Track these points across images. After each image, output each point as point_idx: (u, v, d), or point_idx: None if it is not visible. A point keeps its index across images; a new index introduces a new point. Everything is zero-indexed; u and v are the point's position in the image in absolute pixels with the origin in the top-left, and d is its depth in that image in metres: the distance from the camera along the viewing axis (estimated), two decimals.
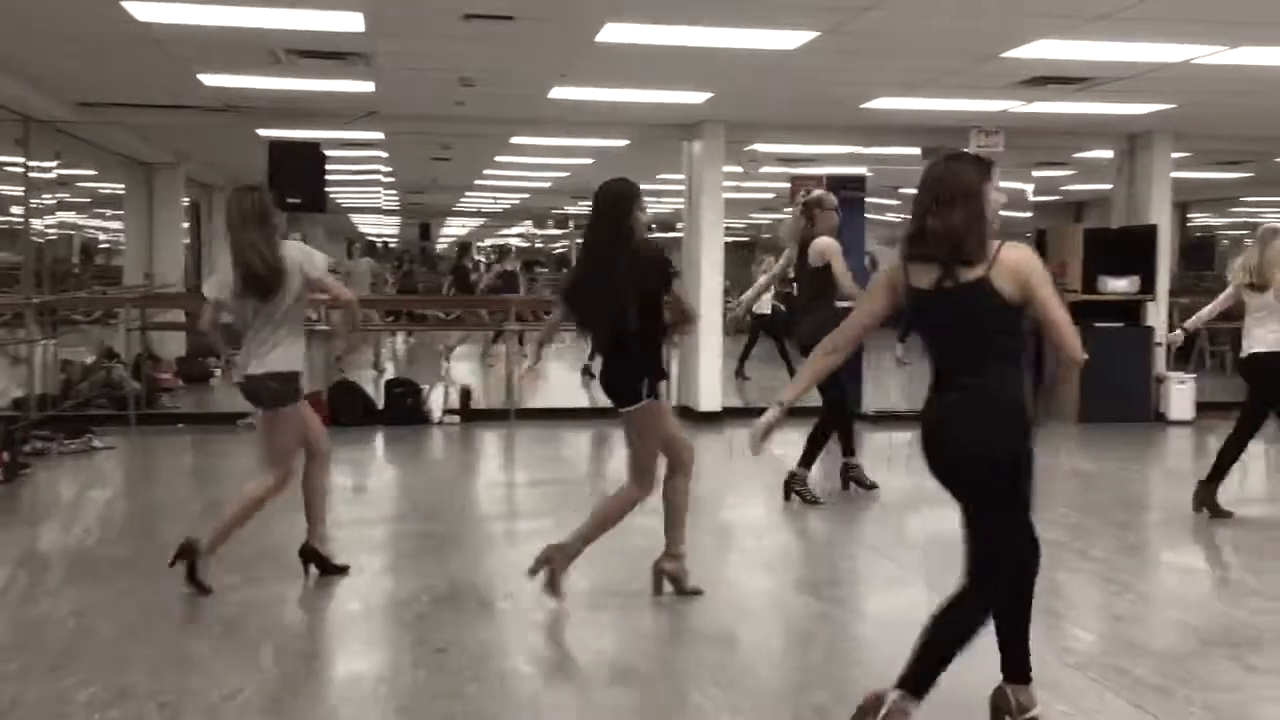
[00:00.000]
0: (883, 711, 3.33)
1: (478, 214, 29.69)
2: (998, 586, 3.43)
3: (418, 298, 19.83)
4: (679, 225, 25.07)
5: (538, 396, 12.25)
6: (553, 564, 4.92)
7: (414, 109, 10.68)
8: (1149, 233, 11.32)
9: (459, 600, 5.17)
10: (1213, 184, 16.84)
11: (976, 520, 3.39)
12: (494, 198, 23.08)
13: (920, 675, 3.36)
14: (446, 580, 5.46)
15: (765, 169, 14.33)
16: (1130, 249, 11.22)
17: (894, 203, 21.36)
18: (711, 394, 11.25)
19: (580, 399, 12.93)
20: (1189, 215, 22.37)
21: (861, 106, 9.93)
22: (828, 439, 7.47)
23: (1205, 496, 6.95)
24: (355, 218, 31.04)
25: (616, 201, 4.98)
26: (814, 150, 12.82)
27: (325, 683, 4.35)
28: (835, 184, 11.64)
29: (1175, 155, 11.83)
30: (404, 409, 10.64)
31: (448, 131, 11.80)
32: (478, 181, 18.92)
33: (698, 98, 9.63)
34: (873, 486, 7.57)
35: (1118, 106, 9.86)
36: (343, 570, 5.43)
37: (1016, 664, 3.57)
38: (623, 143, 12.34)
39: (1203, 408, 11.26)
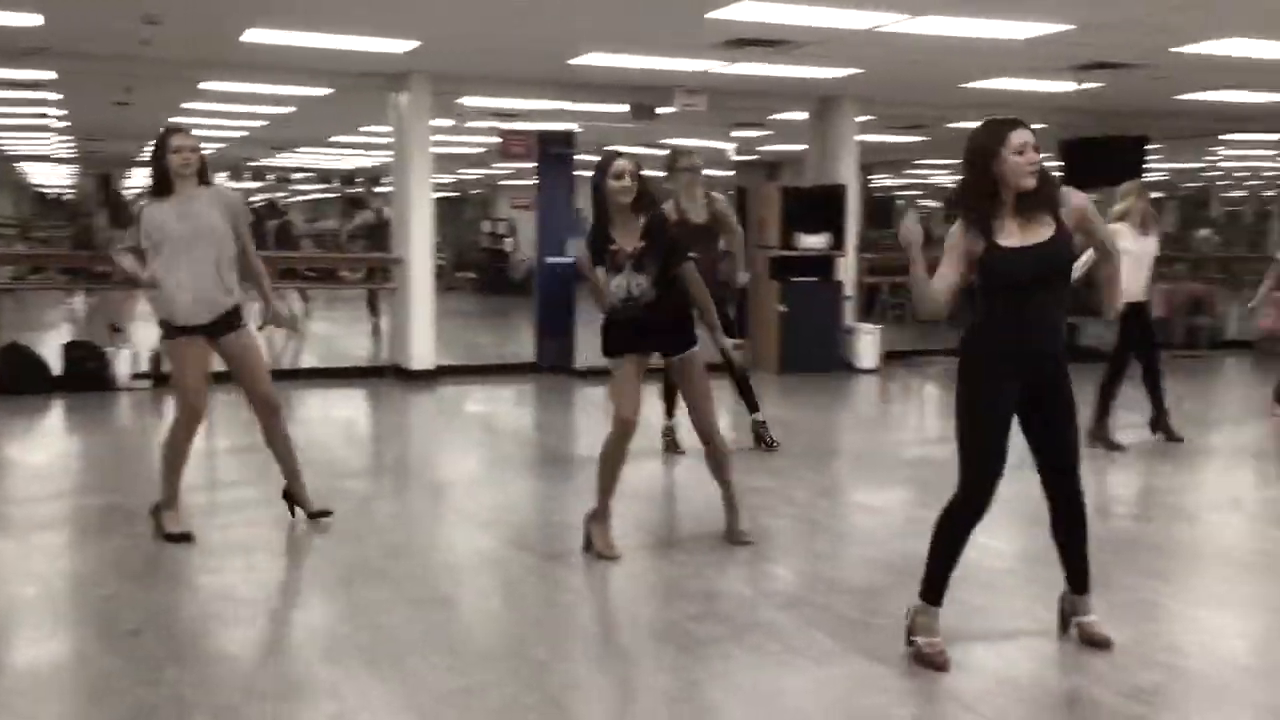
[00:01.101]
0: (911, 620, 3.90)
1: None
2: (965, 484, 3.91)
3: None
4: (384, 180, 24.42)
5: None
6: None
7: (91, 47, 9.77)
8: (839, 192, 11.95)
9: (153, 578, 4.82)
10: (891, 147, 17.96)
11: None
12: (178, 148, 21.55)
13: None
14: (139, 556, 5.08)
15: (474, 123, 14.11)
16: (822, 207, 11.81)
17: (590, 157, 21.62)
18: (423, 353, 11.02)
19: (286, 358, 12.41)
20: (869, 177, 23.86)
21: (570, 62, 9.92)
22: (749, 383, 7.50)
23: (1159, 425, 7.75)
24: (23, 166, 28.30)
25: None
26: (523, 105, 12.73)
27: None
28: (545, 140, 11.63)
29: (860, 119, 12.55)
30: (84, 374, 9.83)
31: (130, 73, 10.86)
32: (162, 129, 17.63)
33: (403, 46, 9.32)
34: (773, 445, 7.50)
35: (811, 70, 10.32)
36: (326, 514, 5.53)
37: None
38: (325, 91, 11.80)
39: (887, 357, 12.07)
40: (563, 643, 4.18)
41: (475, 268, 25.66)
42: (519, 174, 24.74)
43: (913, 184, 29.87)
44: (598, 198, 5.06)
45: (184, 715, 3.46)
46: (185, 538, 5.26)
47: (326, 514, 5.62)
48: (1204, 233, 22.62)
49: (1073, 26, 8.34)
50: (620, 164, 4.99)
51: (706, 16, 7.90)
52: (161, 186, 5.17)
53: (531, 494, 6.73)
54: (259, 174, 26.45)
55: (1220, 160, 20.92)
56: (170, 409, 5.62)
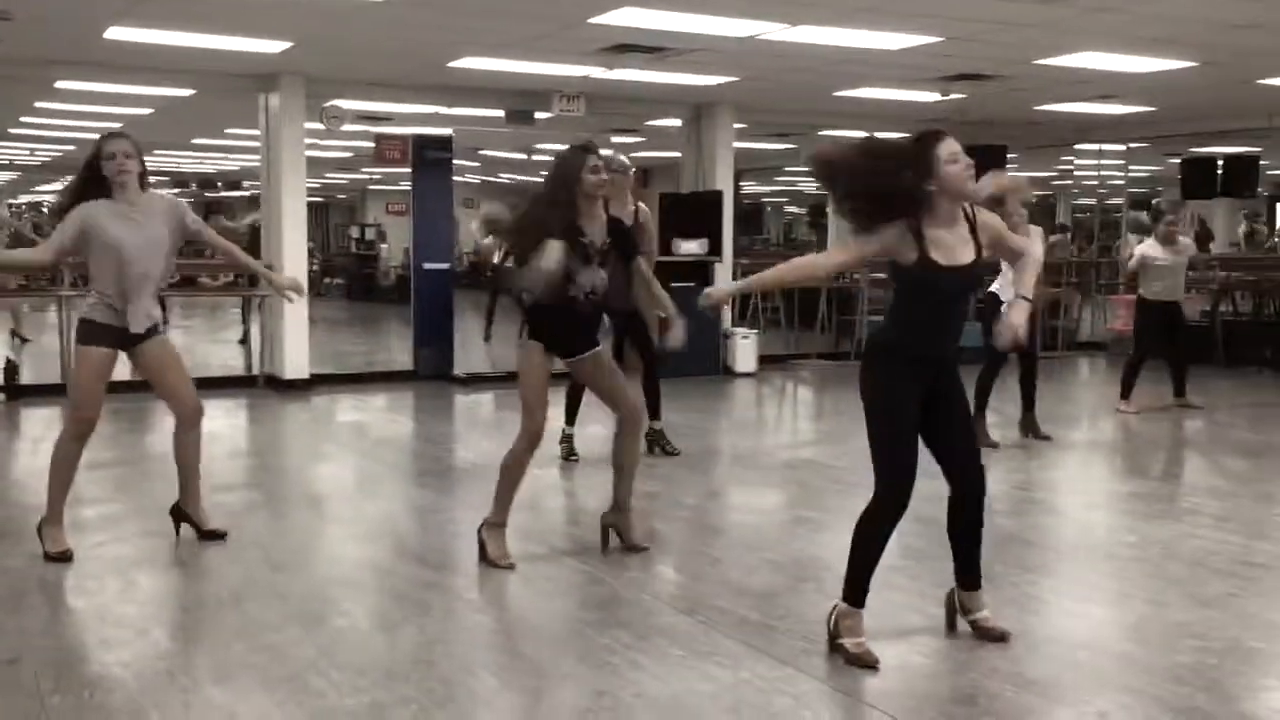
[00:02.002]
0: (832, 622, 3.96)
1: (9, 166, 26.30)
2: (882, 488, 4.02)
3: None
4: (246, 184, 23.73)
5: None
6: (616, 528, 5.27)
7: None
8: (715, 198, 12.09)
9: (23, 601, 4.58)
10: (761, 154, 18.27)
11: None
12: (30, 149, 20.55)
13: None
14: (6, 580, 4.82)
15: (347, 127, 13.80)
16: (699, 213, 11.93)
17: (474, 164, 21.42)
18: (298, 362, 10.75)
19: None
20: (740, 183, 24.23)
21: (449, 65, 9.81)
22: (657, 388, 7.44)
23: (1028, 425, 8.14)
24: None
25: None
26: (398, 109, 12.53)
27: None
28: (421, 144, 11.47)
29: (735, 126, 12.72)
30: None
31: None
32: (12, 130, 16.80)
33: (274, 46, 9.08)
34: (675, 452, 7.51)
35: (690, 77, 10.42)
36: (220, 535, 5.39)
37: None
38: (188, 93, 11.42)
39: (763, 360, 12.26)
40: (465, 656, 4.11)
41: (344, 273, 25.18)
42: (388, 179, 24.40)
43: (781, 190, 30.38)
44: (565, 187, 4.89)
45: None
46: (64, 557, 5.03)
47: (220, 535, 5.44)
48: (1056, 238, 23.53)
49: (941, 39, 8.61)
50: (598, 159, 4.91)
51: (589, 21, 7.90)
52: (94, 191, 4.99)
53: (417, 505, 6.62)
54: None
55: (1073, 169, 21.82)
56: (48, 420, 5.38)
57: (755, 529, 6.11)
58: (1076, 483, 7.46)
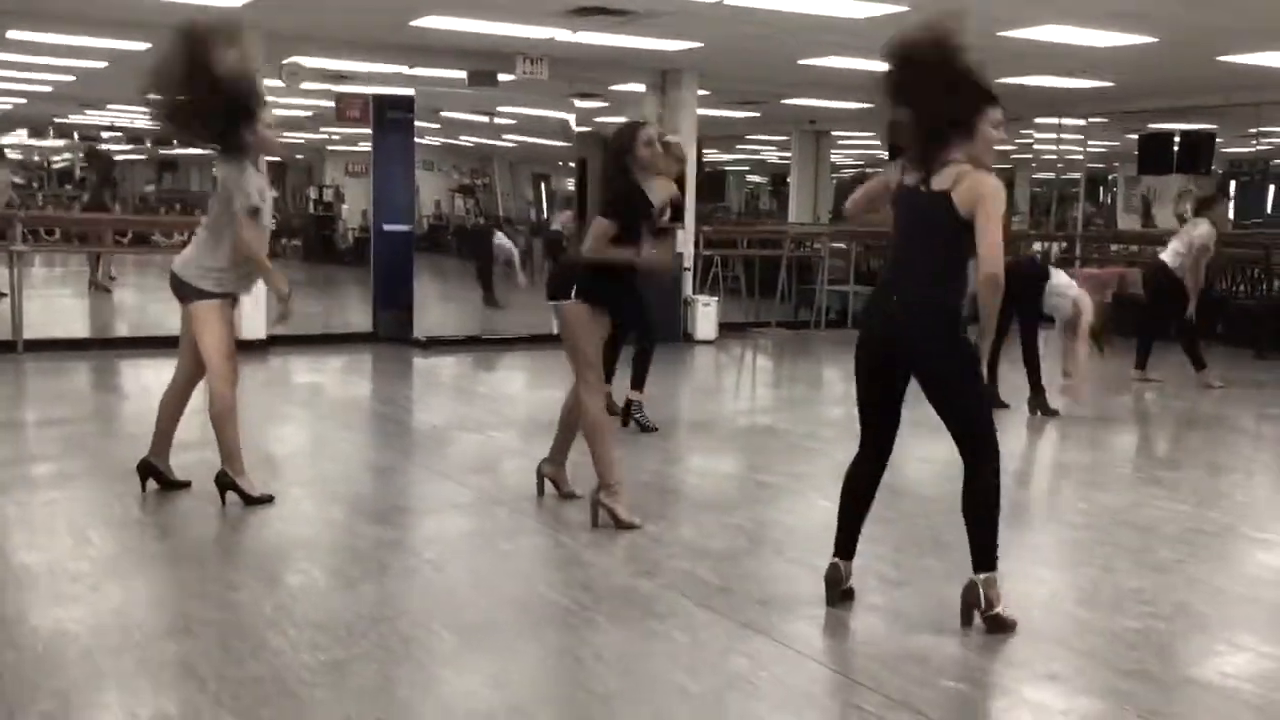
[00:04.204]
0: (984, 593, 3.79)
1: None
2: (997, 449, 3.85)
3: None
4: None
5: (51, 325, 10.97)
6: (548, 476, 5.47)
7: None
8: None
9: None
10: (724, 121, 18.22)
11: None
12: None
13: (987, 549, 3.80)
14: None
15: (307, 85, 13.60)
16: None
17: (435, 126, 21.19)
18: (254, 323, 10.61)
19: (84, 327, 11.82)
20: (702, 151, 24.20)
21: (411, 24, 9.68)
22: (650, 357, 7.28)
23: (1037, 403, 8.11)
24: None
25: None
26: (359, 67, 12.36)
27: None
28: (383, 104, 11.33)
29: (700, 93, 12.68)
30: None
31: None
32: None
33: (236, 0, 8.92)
34: (654, 429, 7.29)
35: (655, 42, 10.35)
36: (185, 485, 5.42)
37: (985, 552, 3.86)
38: (143, 46, 11.18)
39: (723, 328, 12.29)
40: (424, 614, 4.11)
41: (301, 235, 24.90)
42: (347, 139, 24.10)
43: (742, 159, 30.36)
44: (621, 166, 5.03)
45: (27, 702, 3.26)
46: (268, 499, 5.27)
47: (185, 484, 5.46)
48: (1016, 217, 23.75)
49: (907, 8, 8.60)
50: (651, 131, 5.12)
51: None
52: (244, 149, 5.00)
53: (375, 465, 6.59)
54: (64, 132, 24.99)
55: (1032, 143, 21.97)
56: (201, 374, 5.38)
57: (714, 493, 6.14)
58: (1032, 452, 7.56)
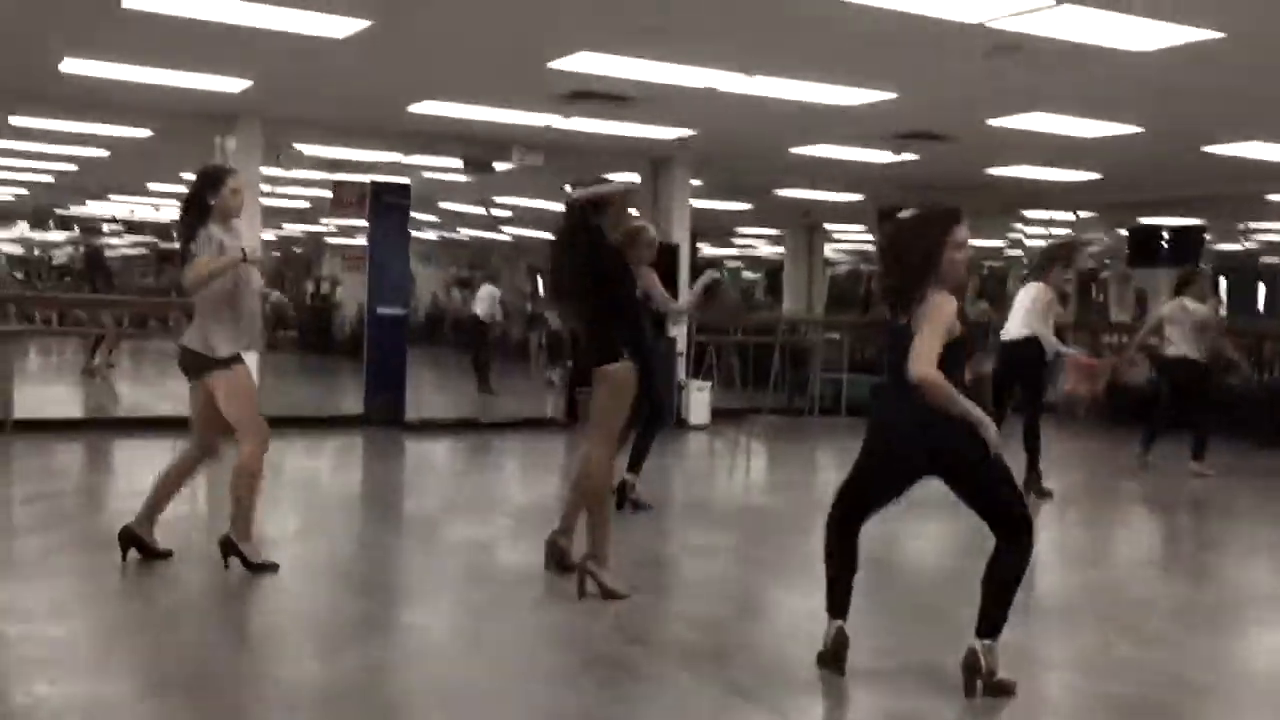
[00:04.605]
0: (984, 660, 3.76)
1: None
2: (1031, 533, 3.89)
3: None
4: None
5: (41, 407, 10.91)
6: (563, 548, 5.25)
7: None
8: (672, 251, 12.15)
9: None
10: (718, 214, 18.42)
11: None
12: None
13: (995, 619, 3.80)
14: None
15: (303, 174, 13.81)
16: (657, 266, 11.94)
17: (433, 219, 21.44)
18: None
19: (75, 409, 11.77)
20: (696, 244, 24.45)
21: (409, 109, 9.85)
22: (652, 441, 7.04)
23: (1032, 483, 7.76)
24: None
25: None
26: (356, 155, 12.56)
27: None
28: (379, 191, 11.46)
29: (692, 182, 12.85)
30: None
31: None
32: None
33: (235, 85, 9.07)
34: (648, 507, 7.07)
35: (647, 129, 10.52)
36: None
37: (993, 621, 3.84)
38: (145, 134, 11.38)
39: (716, 414, 12.24)
40: (407, 681, 4.01)
41: (298, 326, 24.97)
42: (344, 231, 24.35)
43: (738, 255, 30.65)
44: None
45: None
46: (271, 566, 5.20)
47: (167, 554, 5.37)
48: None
49: (894, 95, 8.77)
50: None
51: (548, 66, 7.97)
52: (211, 217, 5.09)
53: (364, 542, 6.51)
54: (66, 224, 25.19)
55: (1024, 238, 22.24)
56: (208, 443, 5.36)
57: (705, 568, 6.06)
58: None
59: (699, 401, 12.02)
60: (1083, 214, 16.79)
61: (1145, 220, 17.18)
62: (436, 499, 8.02)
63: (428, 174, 13.25)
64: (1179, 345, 9.18)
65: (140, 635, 4.55)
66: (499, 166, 11.69)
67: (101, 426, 10.52)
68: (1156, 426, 9.47)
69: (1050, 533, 7.40)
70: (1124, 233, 17.96)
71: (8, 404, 9.78)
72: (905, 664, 4.23)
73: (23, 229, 28.63)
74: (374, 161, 12.70)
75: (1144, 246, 17.04)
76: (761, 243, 26.70)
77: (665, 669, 4.10)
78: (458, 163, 11.78)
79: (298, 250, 28.71)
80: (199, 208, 5.12)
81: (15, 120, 11.09)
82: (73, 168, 14.96)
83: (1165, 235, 16.88)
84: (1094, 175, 12.93)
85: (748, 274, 35.03)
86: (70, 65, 8.49)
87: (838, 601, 4.00)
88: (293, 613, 4.90)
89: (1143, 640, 4.71)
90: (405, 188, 11.67)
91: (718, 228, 22.05)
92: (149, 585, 5.16)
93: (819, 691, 3.93)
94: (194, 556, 5.67)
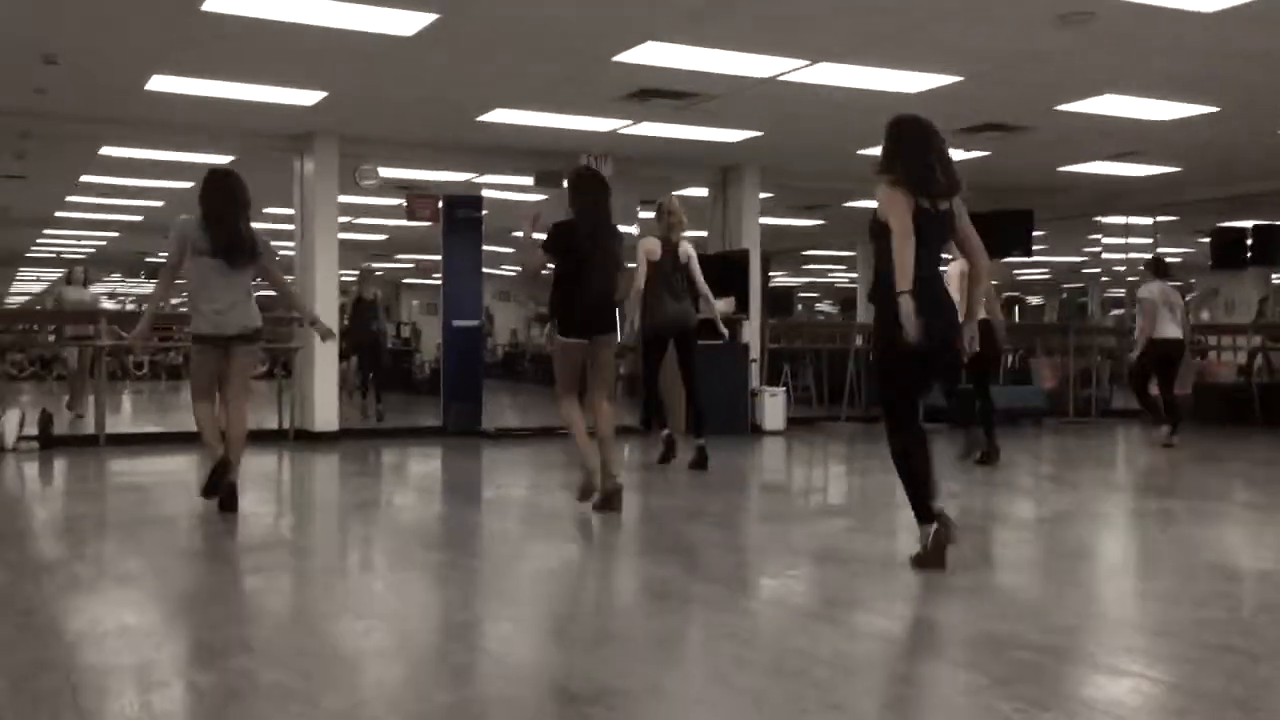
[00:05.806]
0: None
1: (57, 260, 26.16)
2: None
3: None
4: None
5: (134, 421, 11.24)
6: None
7: None
8: (743, 257, 12.21)
9: None
10: (789, 232, 18.38)
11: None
12: (76, 237, 20.79)
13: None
14: None
15: (377, 200, 14.11)
16: (727, 273, 12.01)
17: (506, 250, 21.66)
18: (327, 417, 10.82)
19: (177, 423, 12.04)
20: (769, 269, 24.48)
21: (478, 119, 10.04)
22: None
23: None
24: None
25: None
26: (430, 176, 12.81)
27: None
28: (452, 203, 11.67)
29: (762, 196, 12.86)
30: None
31: (24, 130, 10.57)
32: (59, 214, 17.16)
33: (309, 98, 9.34)
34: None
35: (714, 132, 10.59)
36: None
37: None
38: (228, 159, 11.71)
39: (791, 421, 12.16)
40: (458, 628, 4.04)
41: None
42: (420, 270, 24.79)
43: (812, 284, 30.59)
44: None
45: None
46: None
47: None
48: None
49: (960, 79, 8.72)
50: None
51: (613, 59, 8.09)
52: None
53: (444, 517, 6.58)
54: (154, 273, 25.78)
55: (1100, 252, 21.88)
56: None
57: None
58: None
59: (773, 406, 11.98)
60: (1161, 219, 16.46)
61: (1226, 223, 16.81)
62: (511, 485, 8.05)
63: (500, 193, 13.44)
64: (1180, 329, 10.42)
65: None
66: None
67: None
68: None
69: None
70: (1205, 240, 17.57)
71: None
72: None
73: (116, 282, 28.97)
74: (446, 181, 12.94)
75: (1226, 249, 16.63)
76: (835, 268, 26.59)
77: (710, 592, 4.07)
78: (528, 180, 11.94)
79: (377, 293, 29.18)
80: None
81: (105, 150, 11.50)
82: (159, 203, 15.35)
83: (1248, 237, 16.46)
84: (1171, 168, 12.71)
85: (823, 306, 34.88)
86: (157, 83, 8.81)
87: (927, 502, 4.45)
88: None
89: None
90: (477, 199, 11.89)
91: (788, 250, 22.03)
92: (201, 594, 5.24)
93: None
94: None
